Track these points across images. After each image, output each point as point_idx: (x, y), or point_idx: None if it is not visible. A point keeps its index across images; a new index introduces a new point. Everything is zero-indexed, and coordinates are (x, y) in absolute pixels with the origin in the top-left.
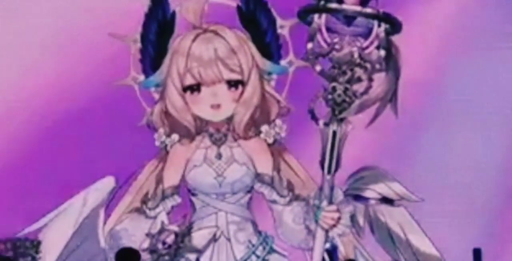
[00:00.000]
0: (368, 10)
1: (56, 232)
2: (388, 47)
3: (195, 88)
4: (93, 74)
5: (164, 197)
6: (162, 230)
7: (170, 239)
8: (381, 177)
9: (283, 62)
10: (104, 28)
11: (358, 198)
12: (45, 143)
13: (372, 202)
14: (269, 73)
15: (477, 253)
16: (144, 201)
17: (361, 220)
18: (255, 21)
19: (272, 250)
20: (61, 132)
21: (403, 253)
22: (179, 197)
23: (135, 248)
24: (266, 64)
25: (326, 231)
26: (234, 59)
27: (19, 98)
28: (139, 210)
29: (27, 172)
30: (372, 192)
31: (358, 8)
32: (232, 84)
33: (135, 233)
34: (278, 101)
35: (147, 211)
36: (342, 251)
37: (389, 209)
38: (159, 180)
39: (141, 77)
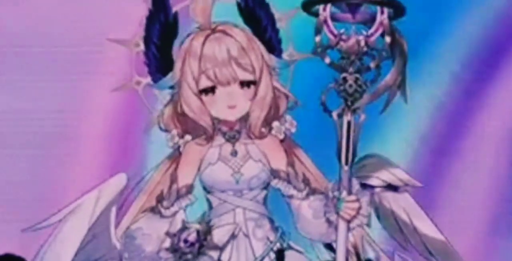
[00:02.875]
0: None
1: (70, 229)
2: (393, 33)
3: (209, 90)
4: (94, 78)
5: (178, 196)
6: (183, 229)
7: (192, 237)
8: (383, 164)
9: (284, 55)
10: (103, 33)
11: (363, 186)
12: (57, 142)
13: (378, 189)
14: (274, 68)
15: None
16: (159, 201)
17: (368, 208)
18: (255, 18)
19: (289, 247)
20: (71, 135)
21: (410, 239)
22: (194, 196)
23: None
24: (272, 60)
25: (348, 222)
26: (246, 58)
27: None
28: (153, 210)
29: (39, 171)
30: (377, 179)
31: None
32: (245, 83)
33: (150, 232)
34: (286, 96)
35: (162, 210)
36: (351, 240)
37: (394, 195)
38: (174, 179)
39: (145, 81)
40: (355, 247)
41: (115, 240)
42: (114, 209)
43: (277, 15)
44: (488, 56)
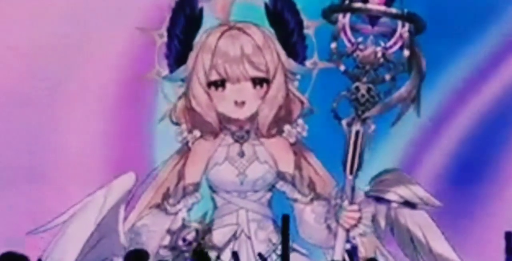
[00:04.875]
0: (393, 10)
1: (78, 227)
2: (412, 47)
3: (219, 83)
4: (118, 67)
5: (185, 194)
6: (183, 227)
7: (191, 236)
8: (403, 180)
9: (307, 63)
10: (131, 22)
11: (380, 200)
12: (66, 138)
13: (394, 205)
14: (293, 73)
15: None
16: (165, 198)
17: (382, 222)
18: (282, 21)
19: (292, 249)
20: (83, 128)
21: (423, 256)
22: (200, 194)
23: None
24: (291, 64)
25: (347, 231)
26: (260, 57)
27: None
28: (159, 207)
29: (47, 167)
30: (394, 195)
31: (382, 8)
32: (257, 81)
33: (156, 229)
34: (301, 101)
35: (168, 207)
36: (362, 251)
37: (410, 212)
38: (181, 177)
39: (166, 72)
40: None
41: (123, 239)
42: (122, 209)
43: (305, 23)
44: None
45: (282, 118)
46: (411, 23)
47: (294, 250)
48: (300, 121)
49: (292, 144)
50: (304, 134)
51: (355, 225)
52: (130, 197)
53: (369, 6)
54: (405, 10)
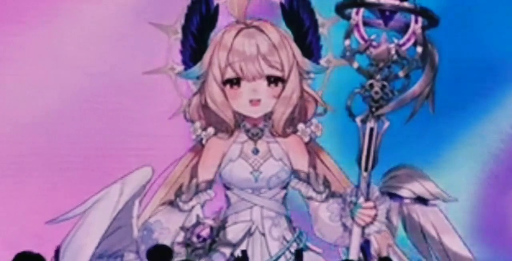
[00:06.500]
0: (405, 4)
1: (94, 220)
2: (425, 43)
3: (234, 81)
4: (131, 62)
5: (198, 191)
6: (197, 224)
7: (205, 232)
8: (416, 176)
9: (322, 61)
10: (145, 17)
11: (392, 196)
12: (82, 132)
13: (407, 201)
14: (308, 72)
15: None
16: (178, 195)
17: (394, 218)
18: (298, 20)
19: (306, 247)
20: (98, 122)
21: (435, 252)
22: (213, 192)
23: (167, 246)
24: (306, 63)
25: (363, 228)
26: (276, 55)
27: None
28: (172, 203)
29: (63, 161)
30: (407, 191)
31: (395, 2)
32: (272, 80)
33: (168, 226)
34: (316, 100)
35: (181, 204)
36: (375, 246)
37: (423, 208)
38: (194, 174)
39: (179, 68)
40: (378, 253)
41: (136, 233)
42: (137, 203)
43: (320, 20)
44: None
45: (297, 118)
46: (424, 17)
47: (308, 248)
48: (314, 120)
49: (306, 143)
50: (319, 133)
51: (371, 223)
52: (146, 192)
53: (382, 0)
54: (418, 5)
